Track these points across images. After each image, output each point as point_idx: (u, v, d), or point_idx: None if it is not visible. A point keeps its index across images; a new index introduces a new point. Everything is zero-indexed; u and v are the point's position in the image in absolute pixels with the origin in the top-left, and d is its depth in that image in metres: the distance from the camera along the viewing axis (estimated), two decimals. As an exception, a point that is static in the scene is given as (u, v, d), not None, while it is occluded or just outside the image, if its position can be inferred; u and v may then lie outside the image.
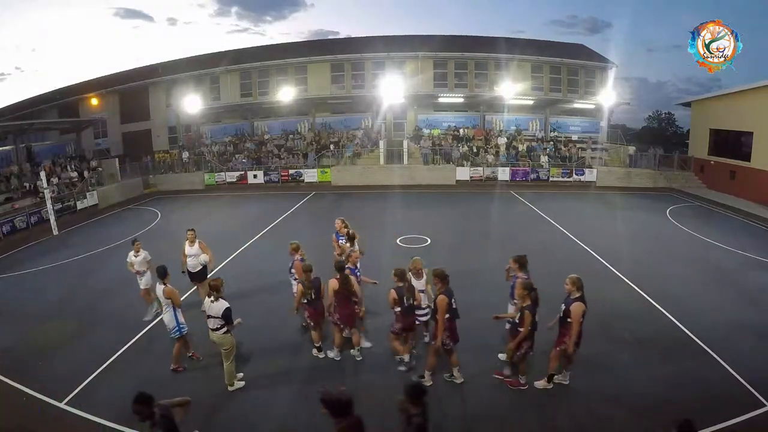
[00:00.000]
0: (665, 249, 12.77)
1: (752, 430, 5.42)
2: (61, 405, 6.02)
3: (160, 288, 6.70)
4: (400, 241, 13.32)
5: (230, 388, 6.24)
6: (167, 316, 6.70)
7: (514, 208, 18.44)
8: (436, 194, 21.05)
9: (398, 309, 6.34)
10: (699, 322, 8.01)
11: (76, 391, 6.35)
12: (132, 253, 8.64)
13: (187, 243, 8.57)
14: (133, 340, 7.76)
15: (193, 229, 8.71)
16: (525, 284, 5.92)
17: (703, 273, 10.77)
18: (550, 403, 5.93)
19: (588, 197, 20.88)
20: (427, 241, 13.29)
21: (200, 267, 8.58)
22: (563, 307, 5.91)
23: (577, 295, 5.81)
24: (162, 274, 6.72)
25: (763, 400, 5.85)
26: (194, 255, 8.53)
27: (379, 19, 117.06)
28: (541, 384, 6.19)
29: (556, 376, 6.25)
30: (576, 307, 5.72)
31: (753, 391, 6.04)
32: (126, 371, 6.83)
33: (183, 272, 8.60)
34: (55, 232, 15.97)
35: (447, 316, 5.84)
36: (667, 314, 8.39)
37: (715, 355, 6.93)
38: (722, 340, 7.39)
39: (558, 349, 5.95)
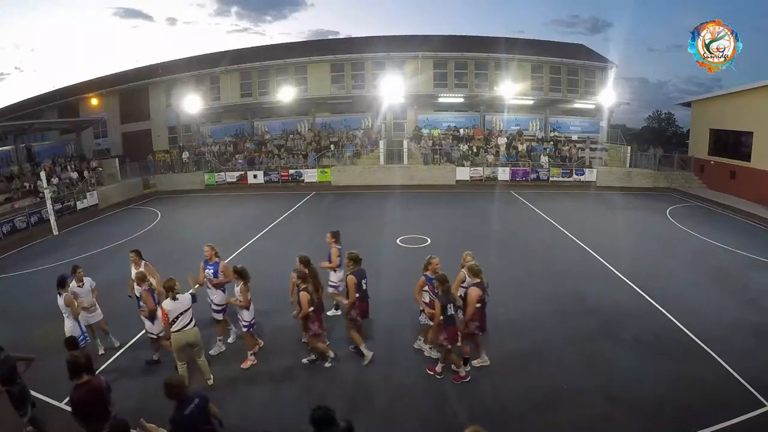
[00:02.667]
0: (665, 249, 12.77)
1: (752, 430, 5.42)
2: (62, 405, 6.02)
3: (60, 299, 6.47)
4: (399, 241, 13.33)
5: (210, 382, 6.31)
6: (68, 324, 6.51)
7: (514, 208, 18.44)
8: (436, 194, 21.06)
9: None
10: (699, 322, 8.01)
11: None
12: (74, 283, 7.01)
13: (132, 266, 7.49)
14: (133, 340, 7.76)
15: (135, 251, 7.61)
16: (439, 277, 6.19)
17: (703, 273, 10.77)
18: (550, 402, 5.93)
19: (588, 197, 20.88)
20: (427, 241, 13.29)
21: None
22: (463, 291, 6.44)
23: (476, 281, 6.26)
24: (60, 283, 6.53)
25: (763, 400, 5.85)
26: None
27: (379, 19, 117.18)
28: (462, 371, 6.48)
29: (474, 361, 6.64)
30: (472, 291, 6.17)
31: (753, 391, 6.04)
32: (126, 371, 6.83)
33: (129, 296, 7.47)
34: (55, 232, 15.98)
35: (357, 295, 6.58)
36: (666, 314, 8.39)
37: (715, 355, 6.93)
38: (722, 340, 7.39)
39: (463, 332, 6.36)
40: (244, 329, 6.85)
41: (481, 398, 6.08)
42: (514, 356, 7.03)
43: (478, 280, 6.25)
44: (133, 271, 7.41)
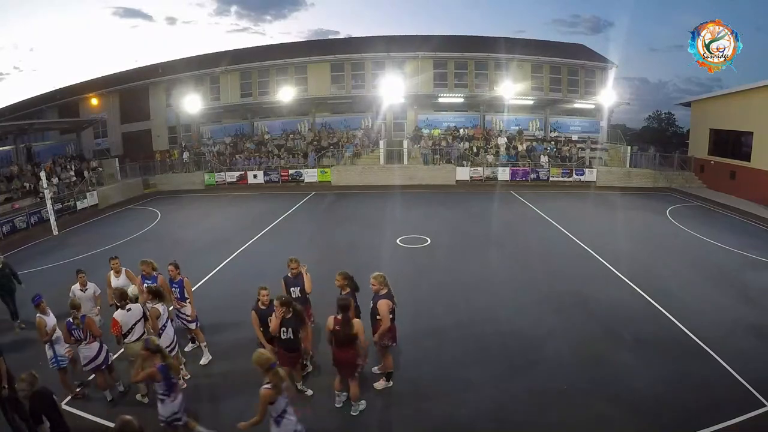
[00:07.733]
0: (665, 249, 12.76)
1: (752, 430, 5.42)
2: (61, 405, 6.01)
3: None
4: (400, 241, 13.33)
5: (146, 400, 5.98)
6: (45, 346, 6.13)
7: (514, 208, 18.43)
8: (436, 194, 21.04)
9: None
10: (699, 322, 8.01)
11: (75, 391, 6.35)
12: (76, 286, 6.87)
13: (111, 273, 7.32)
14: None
15: (116, 257, 7.41)
16: (343, 274, 6.18)
17: (703, 273, 10.76)
18: (550, 403, 5.93)
19: (588, 197, 20.86)
20: (427, 241, 13.29)
21: None
22: (371, 304, 6.02)
23: (384, 291, 5.96)
24: (35, 303, 6.08)
25: (763, 400, 5.85)
26: (122, 287, 6.96)
27: (379, 19, 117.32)
28: (380, 384, 6.24)
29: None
30: (382, 304, 5.85)
31: (753, 391, 6.04)
32: (125, 372, 6.81)
33: (111, 305, 6.99)
34: (55, 232, 15.98)
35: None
36: (667, 314, 8.39)
37: (715, 355, 6.92)
38: (722, 340, 7.38)
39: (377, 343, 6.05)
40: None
41: (481, 398, 6.07)
42: (514, 356, 7.03)
43: (386, 290, 5.96)
44: (113, 279, 7.24)
